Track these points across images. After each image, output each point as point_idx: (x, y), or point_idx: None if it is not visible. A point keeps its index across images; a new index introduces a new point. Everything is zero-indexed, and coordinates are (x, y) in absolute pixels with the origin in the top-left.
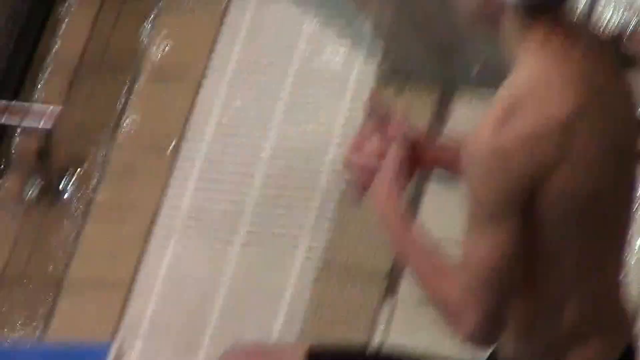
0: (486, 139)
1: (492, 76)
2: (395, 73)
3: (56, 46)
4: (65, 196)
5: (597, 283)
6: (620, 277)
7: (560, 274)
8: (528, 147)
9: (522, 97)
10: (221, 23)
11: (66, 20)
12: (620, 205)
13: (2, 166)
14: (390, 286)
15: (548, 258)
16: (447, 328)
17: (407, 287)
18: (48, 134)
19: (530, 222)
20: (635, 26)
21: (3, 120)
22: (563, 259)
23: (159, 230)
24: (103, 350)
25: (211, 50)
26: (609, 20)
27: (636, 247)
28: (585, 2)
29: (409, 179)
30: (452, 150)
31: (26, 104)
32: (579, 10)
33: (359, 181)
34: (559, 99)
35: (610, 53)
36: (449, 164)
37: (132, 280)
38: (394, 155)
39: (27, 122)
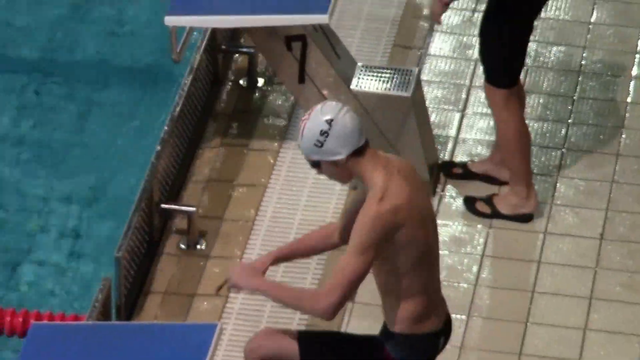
0: (375, 208)
1: None
2: None
3: (197, 167)
4: (200, 249)
5: (435, 277)
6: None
7: (422, 272)
8: (395, 214)
9: (386, 190)
10: (276, 157)
11: (206, 150)
12: (436, 237)
13: (170, 233)
14: None
15: (415, 266)
16: (308, 313)
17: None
18: (191, 218)
19: (392, 251)
20: None
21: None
22: (422, 266)
23: None
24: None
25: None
26: None
27: None
28: None
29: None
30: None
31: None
32: None
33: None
34: (403, 190)
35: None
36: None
37: None
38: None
39: (180, 215)
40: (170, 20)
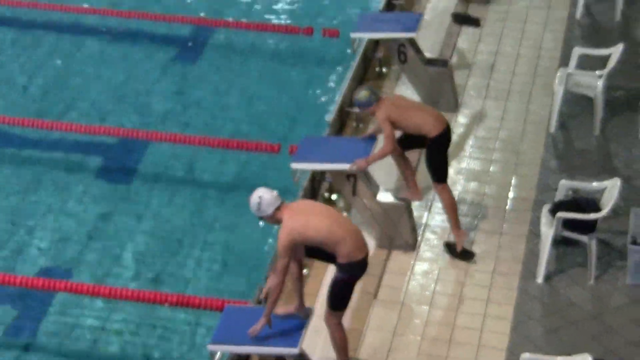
0: (288, 231)
1: None
2: None
3: None
4: (305, 274)
5: (346, 236)
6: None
7: (332, 238)
8: (291, 237)
9: (296, 222)
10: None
11: None
12: (330, 220)
13: None
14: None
15: (325, 239)
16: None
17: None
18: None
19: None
20: None
21: None
22: (329, 237)
23: None
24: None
25: None
26: None
27: None
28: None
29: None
30: None
31: None
32: None
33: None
34: (298, 220)
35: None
36: None
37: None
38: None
39: None
40: (294, 165)
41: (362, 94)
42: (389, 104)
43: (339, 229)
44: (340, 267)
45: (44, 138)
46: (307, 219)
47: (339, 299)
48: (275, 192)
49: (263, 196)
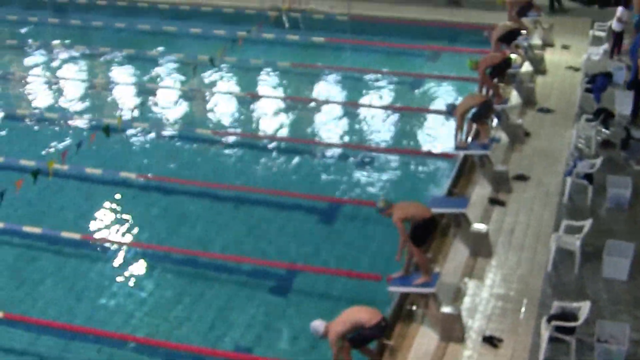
0: (333, 332)
1: None
2: None
3: None
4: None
5: (367, 310)
6: None
7: (354, 319)
8: (339, 329)
9: (335, 326)
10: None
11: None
12: (360, 310)
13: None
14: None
15: (353, 324)
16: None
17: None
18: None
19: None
20: None
21: None
22: (354, 321)
23: None
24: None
25: None
26: None
27: None
28: None
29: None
30: None
31: None
32: None
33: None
34: (342, 325)
35: None
36: None
37: None
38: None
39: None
40: (390, 289)
41: (380, 203)
42: (399, 207)
43: (355, 313)
44: (369, 330)
45: None
46: (336, 322)
47: (359, 341)
48: (319, 320)
49: (313, 324)
